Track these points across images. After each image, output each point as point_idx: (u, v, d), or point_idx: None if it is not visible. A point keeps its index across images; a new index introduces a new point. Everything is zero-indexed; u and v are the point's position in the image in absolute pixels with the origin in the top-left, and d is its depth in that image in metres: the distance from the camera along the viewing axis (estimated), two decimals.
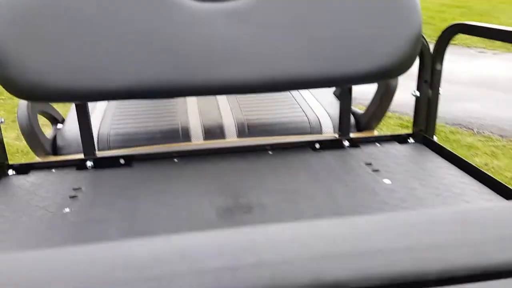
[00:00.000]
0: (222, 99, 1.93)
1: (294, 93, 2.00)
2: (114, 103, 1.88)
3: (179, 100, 1.93)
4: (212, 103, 1.90)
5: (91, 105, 1.72)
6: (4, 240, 1.00)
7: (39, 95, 1.08)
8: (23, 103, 1.56)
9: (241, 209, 1.09)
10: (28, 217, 1.08)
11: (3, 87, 1.11)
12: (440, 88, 1.47)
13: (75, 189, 1.22)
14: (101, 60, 1.07)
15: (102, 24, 1.04)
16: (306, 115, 1.77)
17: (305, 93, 2.00)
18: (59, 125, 1.78)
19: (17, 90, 1.08)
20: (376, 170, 1.30)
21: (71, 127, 1.68)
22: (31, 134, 1.53)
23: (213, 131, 1.68)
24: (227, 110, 1.83)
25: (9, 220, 1.07)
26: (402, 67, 1.25)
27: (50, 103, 1.77)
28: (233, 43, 1.11)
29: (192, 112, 1.82)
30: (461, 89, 5.42)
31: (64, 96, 1.09)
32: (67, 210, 1.13)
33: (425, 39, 1.40)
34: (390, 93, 1.71)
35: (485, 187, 1.19)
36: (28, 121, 1.51)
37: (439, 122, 4.58)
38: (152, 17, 1.05)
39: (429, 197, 1.15)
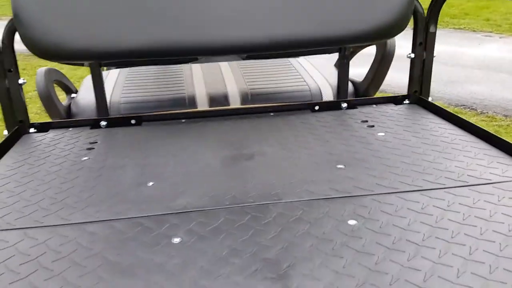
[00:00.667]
0: (226, 70, 2.01)
1: (296, 64, 2.07)
2: (124, 74, 1.98)
3: (185, 71, 2.01)
4: (217, 73, 1.98)
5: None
6: (30, 181, 1.10)
7: (60, 55, 1.22)
8: (40, 71, 1.67)
9: (243, 157, 1.18)
10: (50, 164, 1.18)
11: (27, 48, 1.22)
12: (434, 50, 1.53)
13: (91, 143, 1.31)
14: (115, 23, 1.21)
15: None
16: (307, 84, 1.83)
17: (307, 64, 2.07)
18: (73, 95, 1.88)
19: (40, 50, 1.24)
20: (371, 126, 1.37)
21: (84, 96, 1.77)
22: (48, 99, 1.64)
23: (218, 99, 1.76)
24: (231, 79, 1.90)
25: (33, 167, 1.17)
26: (396, 27, 1.36)
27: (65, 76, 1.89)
28: (238, 6, 1.24)
29: (198, 82, 1.89)
30: (466, 72, 5.45)
31: (82, 56, 1.22)
32: (85, 158, 1.23)
33: (419, 2, 1.47)
34: (387, 60, 1.78)
35: (474, 136, 1.27)
36: (45, 87, 1.63)
37: (445, 103, 4.63)
38: None
39: (420, 145, 1.22)
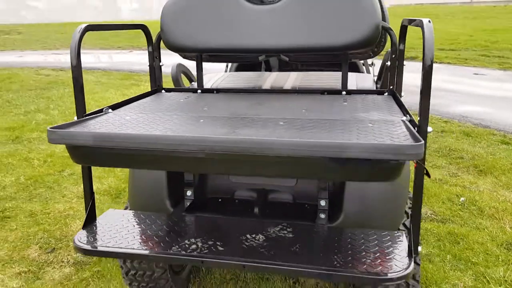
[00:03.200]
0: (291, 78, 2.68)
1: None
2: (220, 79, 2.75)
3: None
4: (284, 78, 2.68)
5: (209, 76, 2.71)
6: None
7: (181, 49, 2.16)
8: (173, 65, 2.63)
9: (262, 105, 1.86)
10: (175, 104, 1.93)
11: (166, 46, 2.15)
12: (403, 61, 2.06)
13: (187, 98, 2.09)
14: (209, 33, 2.09)
15: (213, 15, 2.07)
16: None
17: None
18: (193, 83, 2.66)
19: (172, 47, 2.15)
20: (345, 100, 1.94)
21: (199, 82, 2.37)
22: (177, 82, 2.61)
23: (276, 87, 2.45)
24: (290, 81, 2.57)
25: (163, 102, 1.99)
26: (367, 42, 1.95)
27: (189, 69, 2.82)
28: (270, 25, 2.02)
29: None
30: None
31: (192, 50, 2.15)
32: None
33: (392, 29, 2.04)
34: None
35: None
36: (175, 74, 2.59)
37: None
38: (235, 12, 2.05)
39: (364, 107, 1.83)
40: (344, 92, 2.15)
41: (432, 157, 4.34)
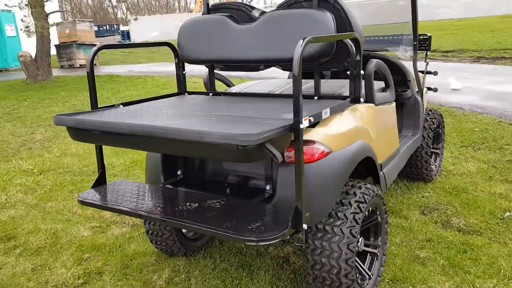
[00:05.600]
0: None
1: None
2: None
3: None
4: None
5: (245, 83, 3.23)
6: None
7: (195, 61, 2.75)
8: (206, 72, 3.01)
9: (233, 106, 2.39)
10: (178, 104, 2.53)
11: (183, 59, 2.79)
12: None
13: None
14: (214, 49, 2.64)
15: (212, 34, 2.62)
16: None
17: None
18: (229, 88, 3.25)
19: (187, 60, 2.77)
20: None
21: (212, 88, 2.99)
22: (206, 87, 3.05)
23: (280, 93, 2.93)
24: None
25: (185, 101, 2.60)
26: (320, 55, 2.31)
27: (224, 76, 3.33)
28: (251, 41, 2.48)
29: None
30: None
31: (203, 61, 2.75)
32: (194, 106, 2.44)
33: (353, 42, 2.29)
34: None
35: None
36: (207, 81, 3.00)
37: None
38: (226, 32, 2.58)
39: None
40: (316, 97, 2.45)
41: (508, 170, 4.08)
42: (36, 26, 11.57)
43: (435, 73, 3.90)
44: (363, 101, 2.37)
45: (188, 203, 2.13)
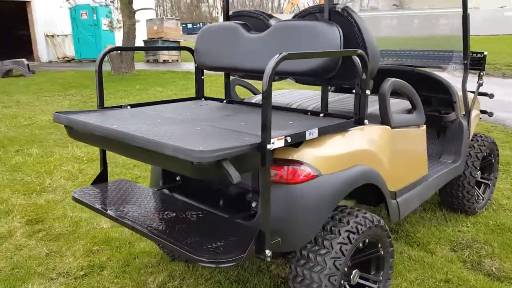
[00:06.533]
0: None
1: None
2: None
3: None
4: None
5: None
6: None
7: (210, 68, 2.72)
8: (228, 78, 2.96)
9: (232, 116, 2.35)
10: (185, 108, 2.52)
11: (199, 65, 2.77)
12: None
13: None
14: (224, 57, 2.59)
15: (225, 43, 2.56)
16: None
17: None
18: (254, 95, 3.15)
19: (203, 66, 2.76)
20: None
21: (227, 95, 2.96)
22: (228, 95, 2.96)
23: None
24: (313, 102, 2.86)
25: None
26: (325, 70, 2.17)
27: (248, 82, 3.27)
28: (260, 51, 2.40)
29: None
30: None
31: (216, 69, 2.69)
32: (192, 112, 2.41)
33: (360, 59, 2.10)
34: None
35: None
36: (229, 88, 2.96)
37: None
38: (234, 41, 2.52)
39: None
40: (321, 114, 2.30)
41: None
42: (123, 22, 12.31)
43: (491, 96, 3.50)
44: (367, 122, 2.17)
45: (166, 212, 2.09)
